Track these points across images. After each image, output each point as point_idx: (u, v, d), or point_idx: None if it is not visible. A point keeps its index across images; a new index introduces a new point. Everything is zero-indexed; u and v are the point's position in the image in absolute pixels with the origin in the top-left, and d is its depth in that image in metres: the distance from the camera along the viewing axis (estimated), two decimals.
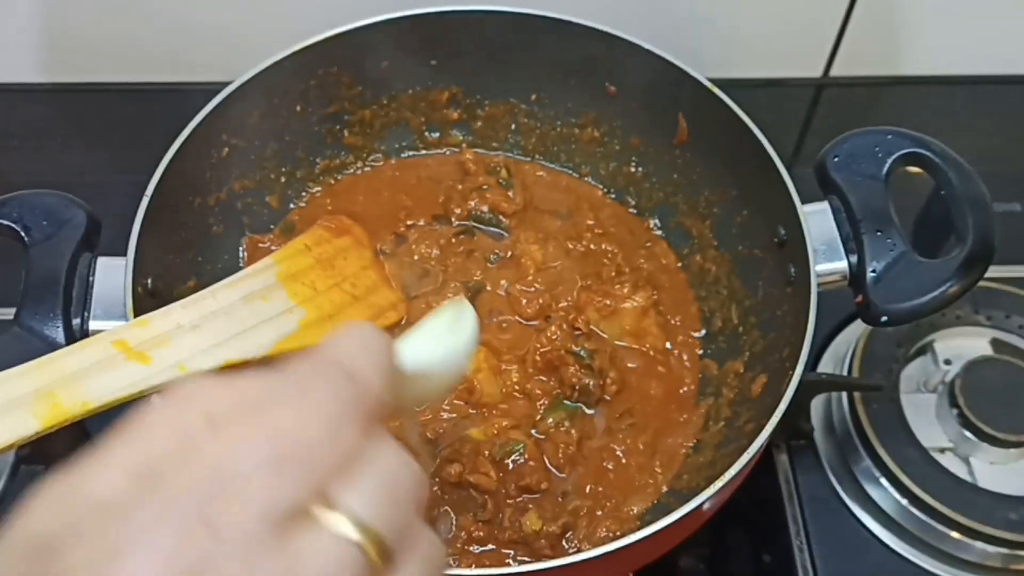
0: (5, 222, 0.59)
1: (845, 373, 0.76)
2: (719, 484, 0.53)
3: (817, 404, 0.77)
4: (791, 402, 0.55)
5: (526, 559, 0.62)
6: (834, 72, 0.96)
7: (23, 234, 0.59)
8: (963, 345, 0.78)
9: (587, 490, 0.65)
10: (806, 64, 0.96)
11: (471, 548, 0.63)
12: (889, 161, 0.61)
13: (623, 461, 0.67)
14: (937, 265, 0.58)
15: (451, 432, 0.66)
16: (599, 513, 0.64)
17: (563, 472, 0.66)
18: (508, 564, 0.62)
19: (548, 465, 0.66)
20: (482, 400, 0.67)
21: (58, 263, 0.58)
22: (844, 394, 0.75)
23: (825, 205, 0.62)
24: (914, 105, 0.97)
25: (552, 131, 0.80)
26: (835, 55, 0.95)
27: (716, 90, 0.68)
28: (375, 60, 0.76)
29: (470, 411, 0.67)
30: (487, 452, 0.65)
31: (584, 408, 0.68)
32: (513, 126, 0.81)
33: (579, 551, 0.57)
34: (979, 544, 0.69)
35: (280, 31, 0.71)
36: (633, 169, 0.79)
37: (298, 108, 0.75)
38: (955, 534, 0.69)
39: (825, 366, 0.78)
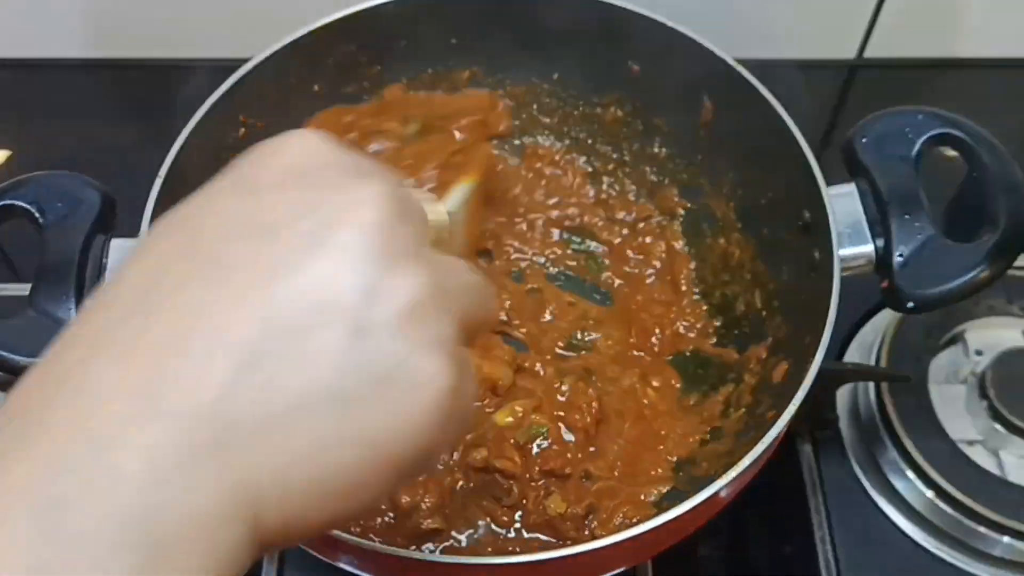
0: (20, 204, 0.59)
1: (872, 363, 0.74)
2: (735, 471, 0.52)
3: (843, 394, 0.75)
4: (816, 391, 0.54)
5: (552, 541, 0.62)
6: (868, 54, 0.94)
7: (38, 216, 0.58)
8: (995, 336, 0.76)
9: (612, 471, 0.65)
10: (838, 45, 0.94)
11: (497, 532, 0.63)
12: (919, 142, 0.58)
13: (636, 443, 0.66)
14: (967, 250, 0.56)
15: (474, 420, 0.65)
16: (620, 496, 0.64)
17: (581, 452, 0.65)
18: (534, 548, 0.62)
19: (570, 446, 0.65)
20: (496, 386, 0.67)
21: (72, 245, 0.58)
22: (871, 384, 0.74)
23: (852, 187, 0.60)
24: (957, 90, 0.95)
25: (575, 111, 0.79)
26: (870, 36, 0.92)
27: (741, 69, 0.66)
28: (394, 39, 0.75)
29: (493, 398, 0.67)
30: (512, 439, 0.64)
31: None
32: (535, 106, 0.80)
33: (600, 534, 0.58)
34: (1007, 539, 0.67)
35: (298, 8, 0.70)
36: (657, 150, 0.77)
37: (316, 88, 0.74)
38: (982, 529, 0.68)
39: (852, 355, 0.77)
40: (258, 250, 0.29)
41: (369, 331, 0.29)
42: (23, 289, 0.58)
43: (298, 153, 0.33)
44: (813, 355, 0.55)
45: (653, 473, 0.65)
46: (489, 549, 0.62)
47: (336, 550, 0.54)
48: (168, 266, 0.30)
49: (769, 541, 0.75)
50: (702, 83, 0.71)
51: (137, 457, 0.26)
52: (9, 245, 0.82)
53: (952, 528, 0.68)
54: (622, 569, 0.58)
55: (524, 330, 0.72)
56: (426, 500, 0.61)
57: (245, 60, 0.68)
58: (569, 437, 0.66)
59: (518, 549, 0.62)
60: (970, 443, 0.72)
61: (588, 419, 0.66)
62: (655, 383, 0.70)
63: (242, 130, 0.70)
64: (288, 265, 0.29)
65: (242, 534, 0.27)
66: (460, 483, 0.64)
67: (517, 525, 0.63)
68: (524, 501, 0.63)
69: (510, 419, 0.65)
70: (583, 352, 0.72)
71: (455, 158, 0.68)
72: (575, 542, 0.59)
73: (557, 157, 0.80)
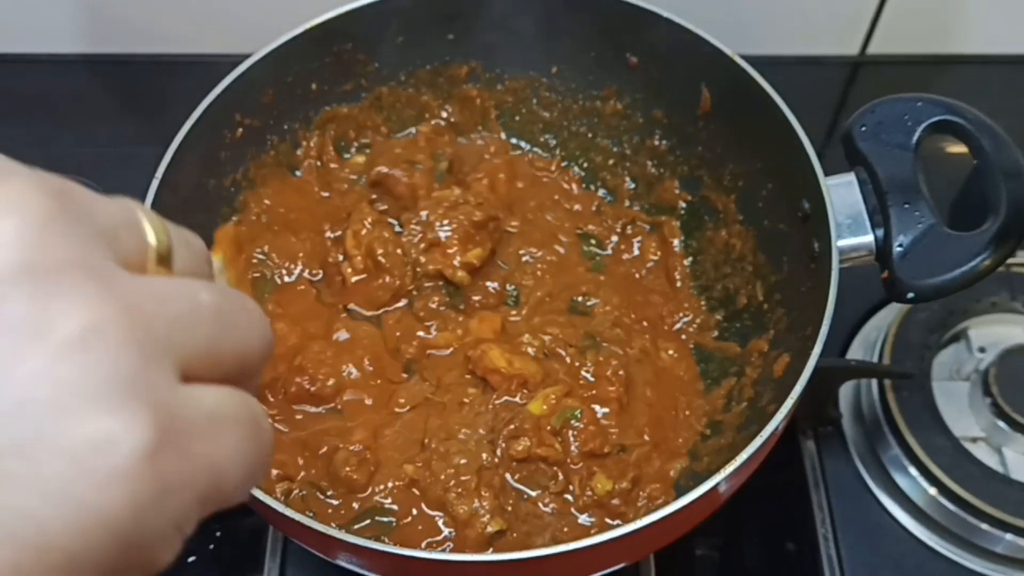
0: None
1: (875, 359, 0.74)
2: (734, 465, 0.51)
3: (846, 390, 0.75)
4: (818, 386, 0.53)
5: (607, 521, 0.62)
6: (871, 50, 0.93)
7: None
8: (998, 333, 0.76)
9: (644, 437, 0.65)
10: (842, 41, 0.93)
11: (548, 520, 0.62)
12: (919, 129, 0.58)
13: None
14: (968, 238, 0.55)
15: (510, 413, 0.65)
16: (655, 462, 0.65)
17: (616, 427, 0.65)
18: (590, 532, 0.62)
19: (603, 424, 0.65)
20: (528, 381, 0.66)
21: None
22: (874, 381, 0.73)
23: (851, 177, 0.59)
24: (960, 86, 0.94)
25: (574, 105, 0.78)
26: (873, 32, 0.92)
27: (738, 59, 0.66)
28: (391, 36, 0.74)
29: (523, 391, 0.67)
30: (548, 426, 0.64)
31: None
32: (534, 100, 0.79)
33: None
34: (1009, 536, 0.67)
35: (296, 6, 0.70)
36: (657, 142, 0.76)
37: (313, 86, 0.74)
38: (984, 525, 0.67)
39: (855, 352, 0.76)
40: None
41: (8, 380, 0.21)
42: None
43: None
44: (811, 347, 0.54)
45: (680, 439, 0.66)
46: (552, 540, 0.62)
47: (335, 549, 0.53)
48: None
49: (772, 537, 0.74)
50: (701, 75, 0.70)
51: None
52: None
53: (955, 525, 0.68)
54: (623, 565, 0.57)
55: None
56: (483, 504, 0.61)
57: (242, 58, 0.67)
58: (604, 410, 0.66)
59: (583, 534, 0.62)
60: (973, 440, 0.71)
61: (620, 388, 0.66)
62: (670, 351, 0.70)
63: (239, 129, 0.70)
64: None
65: None
66: (508, 477, 0.64)
67: (572, 510, 0.63)
68: (571, 486, 0.63)
69: (545, 407, 0.65)
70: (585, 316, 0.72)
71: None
72: (627, 519, 0.61)
73: (552, 167, 0.80)
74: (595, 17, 0.72)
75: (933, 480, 0.68)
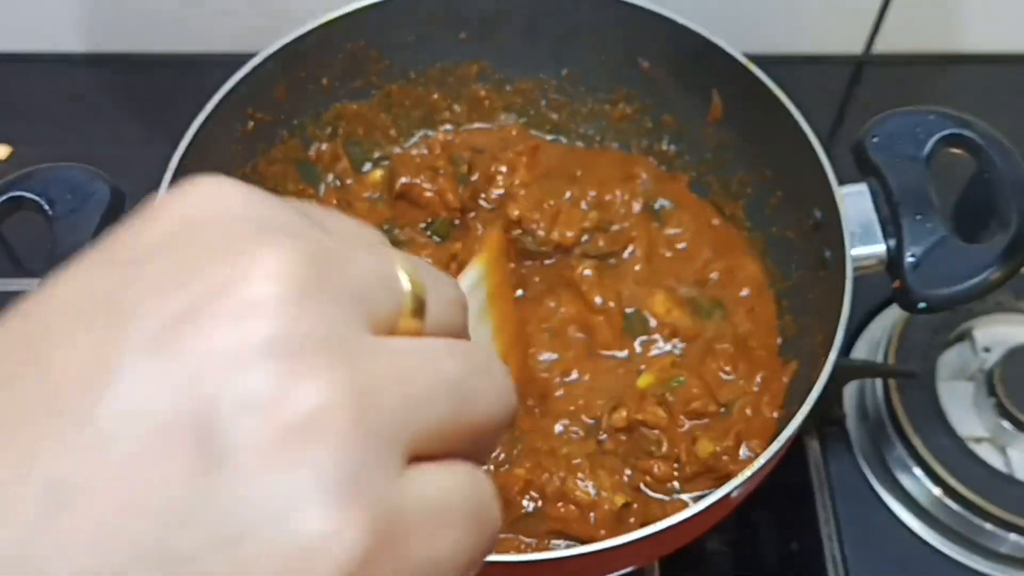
0: (29, 195, 0.58)
1: (880, 359, 0.74)
2: (748, 472, 0.52)
3: (850, 390, 0.75)
4: (823, 389, 0.54)
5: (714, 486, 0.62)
6: (876, 48, 0.93)
7: (47, 208, 0.58)
8: (1003, 333, 0.76)
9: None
10: (846, 40, 0.93)
11: (654, 491, 0.63)
12: (930, 142, 0.58)
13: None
14: (978, 251, 0.56)
15: (616, 387, 0.66)
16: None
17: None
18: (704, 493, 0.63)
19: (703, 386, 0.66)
20: (679, 332, 0.68)
21: (82, 237, 0.57)
22: (878, 380, 0.74)
23: (863, 187, 0.60)
24: (965, 85, 0.94)
25: (583, 107, 0.79)
26: (878, 30, 0.92)
27: (752, 66, 0.66)
28: (403, 33, 0.74)
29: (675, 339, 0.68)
30: (652, 395, 0.65)
31: None
32: (543, 102, 0.79)
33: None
34: (1013, 536, 0.68)
35: (308, 2, 0.70)
36: (665, 147, 0.77)
37: (324, 81, 0.74)
38: (989, 526, 0.68)
39: (859, 352, 0.77)
40: (93, 342, 0.21)
41: (225, 462, 0.20)
42: (28, 285, 0.58)
43: (191, 206, 0.23)
44: (823, 355, 0.55)
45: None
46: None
47: None
48: None
49: (776, 538, 0.75)
50: (712, 80, 0.71)
51: None
52: (15, 240, 0.81)
53: (959, 525, 0.69)
54: (630, 569, 0.58)
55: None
56: (603, 483, 0.61)
57: (254, 54, 0.68)
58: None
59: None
60: (977, 440, 0.72)
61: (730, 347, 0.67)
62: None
63: (251, 124, 0.70)
64: (126, 372, 0.20)
65: None
66: (610, 448, 0.64)
67: (675, 477, 0.63)
68: (676, 451, 0.63)
69: (652, 380, 0.66)
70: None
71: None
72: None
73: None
74: (608, 21, 0.72)
75: (937, 480, 0.69)
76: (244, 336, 0.20)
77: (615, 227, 0.72)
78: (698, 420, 0.64)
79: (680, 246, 0.73)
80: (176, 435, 0.20)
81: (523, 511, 0.61)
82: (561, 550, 0.51)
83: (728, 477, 0.60)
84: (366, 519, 0.20)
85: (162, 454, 0.20)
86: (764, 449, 0.60)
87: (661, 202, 0.74)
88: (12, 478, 0.20)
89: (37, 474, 0.20)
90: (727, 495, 0.51)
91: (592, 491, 0.61)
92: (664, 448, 0.63)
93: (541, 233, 0.71)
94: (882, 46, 0.93)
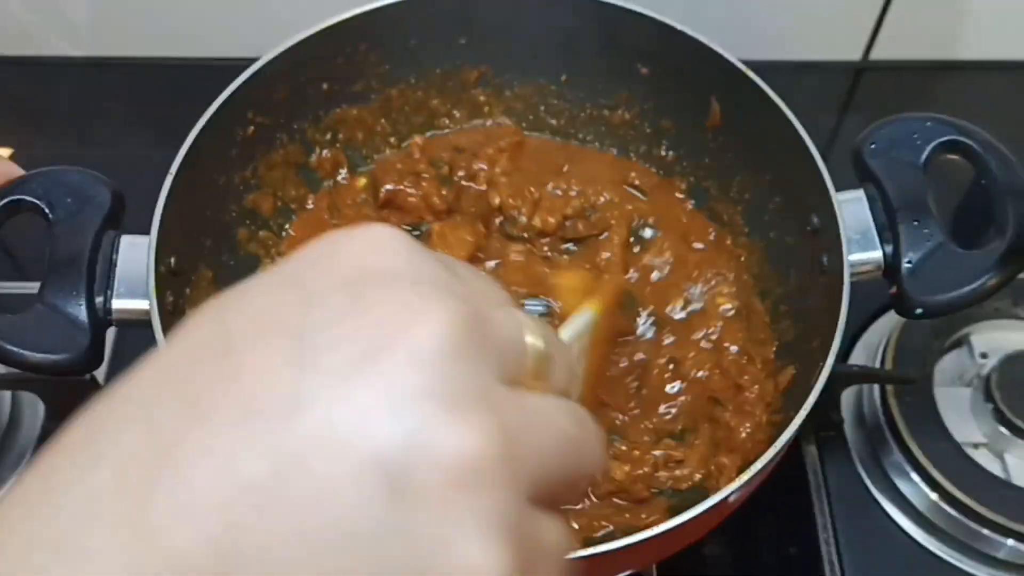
0: (29, 199, 0.58)
1: (878, 365, 0.75)
2: (745, 477, 0.52)
3: (848, 396, 0.75)
4: (821, 394, 0.54)
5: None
6: (874, 56, 0.94)
7: (47, 211, 0.58)
8: (1000, 338, 0.76)
9: None
10: (844, 47, 0.94)
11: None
12: (928, 149, 0.59)
13: None
14: (976, 257, 0.56)
15: None
16: None
17: None
18: None
19: None
20: None
21: (82, 241, 0.58)
22: (876, 386, 0.74)
23: (860, 193, 0.60)
24: (962, 92, 0.95)
25: (582, 113, 0.79)
26: (875, 38, 0.92)
27: (750, 73, 0.66)
28: (403, 38, 0.75)
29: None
30: None
31: None
32: (542, 107, 0.80)
33: None
34: (1011, 542, 0.68)
35: (308, 7, 0.70)
36: (664, 152, 0.77)
37: (324, 86, 0.74)
38: (986, 531, 0.68)
39: (857, 357, 0.77)
40: (288, 365, 0.24)
41: (405, 497, 0.23)
42: (28, 287, 0.58)
43: (365, 253, 0.27)
44: (821, 360, 0.55)
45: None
46: None
47: None
48: (186, 367, 0.25)
49: (773, 542, 0.75)
50: (711, 86, 0.71)
51: None
52: (14, 243, 0.82)
53: (956, 531, 0.69)
54: (627, 573, 0.58)
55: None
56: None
57: (254, 59, 0.68)
58: None
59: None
60: (975, 446, 0.72)
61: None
62: None
63: (251, 128, 0.70)
64: (318, 394, 0.23)
65: None
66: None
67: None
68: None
69: None
70: None
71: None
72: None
73: None
74: (608, 27, 0.72)
75: (935, 485, 0.69)
76: (416, 382, 0.24)
77: (595, 215, 0.74)
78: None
79: (655, 276, 0.73)
80: (367, 467, 0.23)
81: None
82: None
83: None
84: (516, 557, 0.24)
85: (355, 482, 0.23)
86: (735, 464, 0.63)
87: (646, 230, 0.75)
88: (214, 475, 0.23)
89: (239, 476, 0.23)
90: (724, 499, 0.51)
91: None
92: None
93: (523, 219, 0.71)
94: (880, 53, 0.93)
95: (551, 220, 0.72)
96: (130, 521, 0.22)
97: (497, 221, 0.73)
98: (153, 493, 0.23)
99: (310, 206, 0.76)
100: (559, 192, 0.74)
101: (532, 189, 0.73)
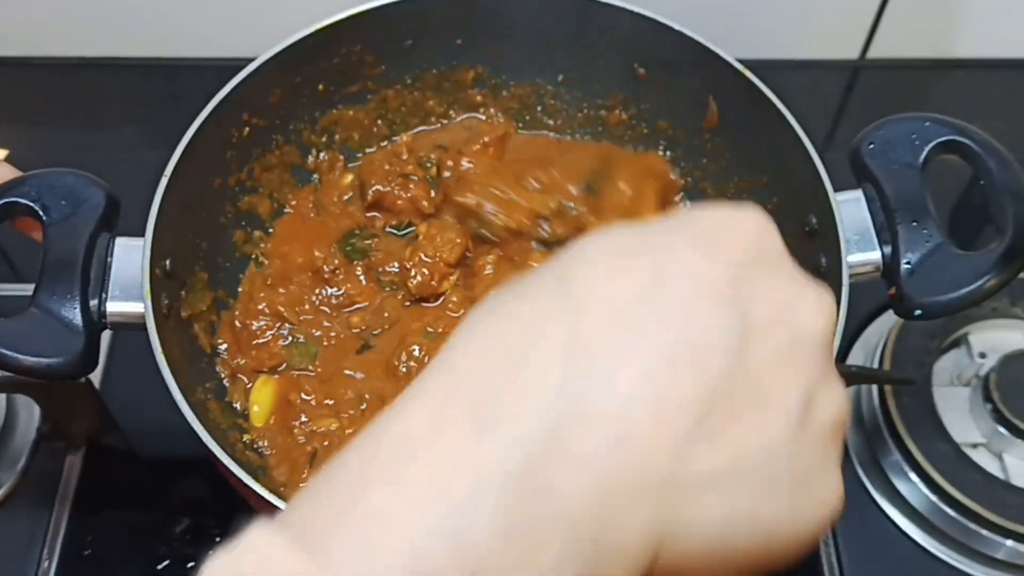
0: (23, 201, 0.58)
1: (876, 365, 0.74)
2: None
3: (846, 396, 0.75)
4: None
5: None
6: (871, 54, 0.94)
7: (41, 213, 0.58)
8: (999, 338, 0.77)
9: None
10: (842, 45, 0.93)
11: None
12: (927, 149, 0.58)
13: None
14: (974, 258, 0.56)
15: None
16: None
17: None
18: None
19: None
20: None
21: (76, 243, 0.57)
22: (874, 386, 0.74)
23: (859, 194, 0.60)
24: (960, 91, 0.95)
25: (579, 113, 0.79)
26: (873, 36, 0.92)
27: (748, 73, 0.66)
28: (399, 39, 0.75)
29: None
30: None
31: None
32: (539, 107, 0.79)
33: None
34: (1009, 542, 0.68)
35: (303, 8, 0.70)
36: (661, 153, 0.77)
37: (320, 87, 0.74)
38: (985, 532, 0.68)
39: (855, 358, 0.77)
40: (731, 313, 0.29)
41: (806, 429, 0.30)
42: (23, 289, 0.58)
43: (756, 234, 0.32)
44: None
45: None
46: None
47: None
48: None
49: None
50: (708, 87, 0.71)
51: (589, 492, 0.27)
52: (9, 245, 0.81)
53: (955, 531, 0.69)
54: None
55: None
56: None
57: (249, 60, 0.68)
58: None
59: None
60: (973, 446, 0.72)
61: None
62: None
63: (246, 129, 0.70)
64: (753, 338, 0.29)
65: (642, 566, 0.29)
66: None
67: None
68: None
69: None
70: None
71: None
72: None
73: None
74: (605, 27, 0.72)
75: (933, 486, 0.69)
76: (814, 352, 0.31)
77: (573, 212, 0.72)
78: None
79: None
80: (777, 398, 0.30)
81: None
82: None
83: None
84: (843, 490, 0.33)
85: (768, 405, 0.30)
86: None
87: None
88: (673, 400, 0.28)
89: (691, 398, 0.28)
90: None
91: None
92: None
93: (497, 220, 0.70)
94: (877, 52, 0.93)
95: (526, 221, 0.70)
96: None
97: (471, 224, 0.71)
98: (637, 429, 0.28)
99: (294, 203, 0.76)
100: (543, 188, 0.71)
101: (501, 188, 0.70)
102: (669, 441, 0.28)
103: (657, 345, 0.28)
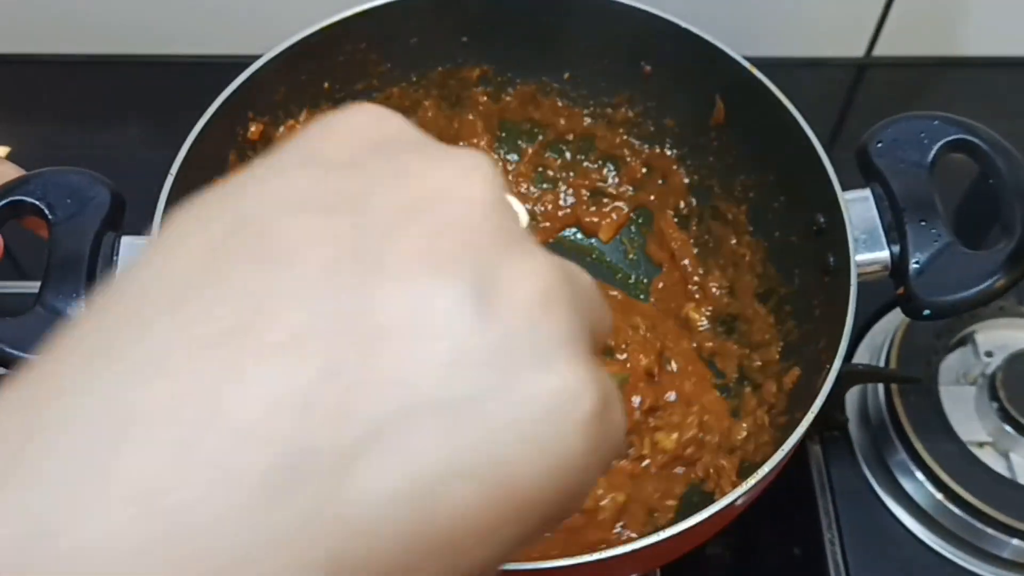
0: (29, 200, 0.58)
1: (882, 363, 0.74)
2: (752, 481, 0.52)
3: (852, 395, 0.75)
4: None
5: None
6: (877, 52, 0.93)
7: (47, 212, 0.58)
8: (1005, 337, 0.76)
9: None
10: (848, 43, 0.93)
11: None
12: (935, 148, 0.58)
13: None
14: (983, 257, 0.55)
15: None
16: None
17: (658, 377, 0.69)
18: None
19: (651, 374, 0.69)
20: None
21: (82, 242, 0.57)
22: (880, 385, 0.74)
23: (867, 192, 0.59)
24: (966, 89, 0.94)
25: (584, 111, 0.78)
26: (879, 34, 0.92)
27: (755, 71, 0.66)
28: (404, 37, 0.74)
29: None
30: None
31: None
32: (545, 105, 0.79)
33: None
34: (1016, 541, 0.67)
35: (309, 5, 0.70)
36: (668, 151, 0.77)
37: (325, 85, 0.74)
38: (991, 530, 0.68)
39: (861, 356, 0.77)
40: (339, 224, 0.22)
41: (493, 318, 0.22)
42: (28, 287, 0.57)
43: (376, 126, 0.26)
44: (827, 362, 0.55)
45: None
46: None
47: None
48: (208, 248, 0.22)
49: (777, 542, 0.75)
50: (715, 84, 0.70)
51: (204, 491, 0.20)
52: (14, 243, 0.81)
53: (961, 530, 0.69)
54: None
55: None
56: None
57: (254, 58, 0.67)
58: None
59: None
60: (980, 445, 0.72)
61: (652, 357, 0.69)
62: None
63: (251, 127, 0.70)
64: (382, 239, 0.22)
65: None
66: None
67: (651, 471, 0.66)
68: (643, 450, 0.66)
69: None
70: None
71: None
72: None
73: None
74: (610, 24, 0.71)
75: (940, 485, 0.69)
76: (475, 223, 0.23)
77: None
78: (654, 414, 0.67)
79: None
80: (462, 289, 0.22)
81: None
82: (560, 560, 0.50)
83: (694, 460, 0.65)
84: (597, 379, 0.23)
85: (446, 298, 0.22)
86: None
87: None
88: (274, 346, 0.21)
89: (305, 342, 0.21)
90: (731, 503, 0.51)
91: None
92: (635, 450, 0.66)
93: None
94: (884, 49, 0.93)
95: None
96: (186, 418, 0.20)
97: None
98: (209, 387, 0.20)
99: None
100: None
101: None
102: (281, 410, 0.20)
103: (245, 295, 0.21)
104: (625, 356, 0.69)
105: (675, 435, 0.66)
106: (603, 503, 0.63)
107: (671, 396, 0.68)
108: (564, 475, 0.23)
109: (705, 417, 0.67)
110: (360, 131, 0.26)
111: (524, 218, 0.27)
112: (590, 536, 0.63)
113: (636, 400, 0.67)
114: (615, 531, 0.64)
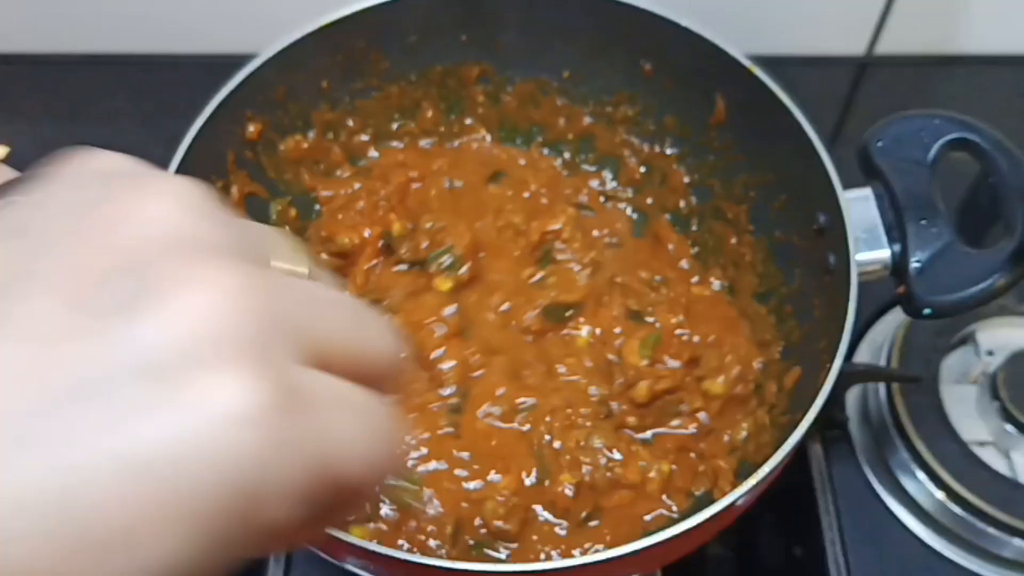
0: None
1: (883, 363, 0.74)
2: (753, 481, 0.52)
3: (852, 394, 0.75)
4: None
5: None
6: (879, 50, 0.93)
7: None
8: (1007, 336, 0.76)
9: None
10: (849, 41, 0.93)
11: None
12: (936, 147, 0.58)
13: None
14: (984, 256, 0.55)
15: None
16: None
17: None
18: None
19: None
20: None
21: None
22: (881, 384, 0.73)
23: (867, 191, 0.59)
24: (967, 87, 0.94)
25: (584, 109, 0.78)
26: (880, 31, 0.92)
27: (756, 70, 0.66)
28: (403, 35, 0.74)
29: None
30: (643, 362, 0.67)
31: None
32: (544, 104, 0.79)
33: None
34: (1017, 541, 0.67)
35: (307, 3, 0.70)
36: (668, 150, 0.76)
37: (324, 83, 0.74)
38: (992, 530, 0.67)
39: (862, 355, 0.76)
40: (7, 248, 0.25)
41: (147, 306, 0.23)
42: None
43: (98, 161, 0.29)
44: (828, 361, 0.55)
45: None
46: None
47: (342, 552, 0.54)
48: None
49: (779, 542, 0.75)
50: (715, 83, 0.70)
51: None
52: None
53: (962, 530, 0.68)
54: None
55: None
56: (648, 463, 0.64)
57: (253, 56, 0.67)
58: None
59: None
60: (981, 444, 0.72)
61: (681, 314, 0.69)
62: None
63: (250, 127, 0.70)
64: (39, 259, 0.24)
65: None
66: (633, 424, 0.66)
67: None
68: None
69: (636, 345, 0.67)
70: None
71: None
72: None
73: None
74: (610, 22, 0.71)
75: (941, 484, 0.69)
76: (146, 242, 0.24)
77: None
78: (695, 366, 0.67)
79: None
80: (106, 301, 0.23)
81: (582, 518, 0.62)
82: (561, 561, 0.50)
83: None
84: (273, 378, 0.23)
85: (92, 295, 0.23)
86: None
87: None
88: None
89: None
90: (732, 503, 0.51)
91: (640, 472, 0.63)
92: (684, 405, 0.66)
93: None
94: (885, 47, 0.93)
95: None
96: None
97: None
98: None
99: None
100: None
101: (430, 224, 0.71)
102: None
103: None
104: (654, 319, 0.69)
105: (720, 378, 0.65)
106: (650, 475, 0.63)
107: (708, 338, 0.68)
108: (235, 476, 0.23)
109: (741, 352, 0.67)
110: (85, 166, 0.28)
111: (291, 246, 0.29)
112: (640, 509, 0.63)
113: (675, 363, 0.66)
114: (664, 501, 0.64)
